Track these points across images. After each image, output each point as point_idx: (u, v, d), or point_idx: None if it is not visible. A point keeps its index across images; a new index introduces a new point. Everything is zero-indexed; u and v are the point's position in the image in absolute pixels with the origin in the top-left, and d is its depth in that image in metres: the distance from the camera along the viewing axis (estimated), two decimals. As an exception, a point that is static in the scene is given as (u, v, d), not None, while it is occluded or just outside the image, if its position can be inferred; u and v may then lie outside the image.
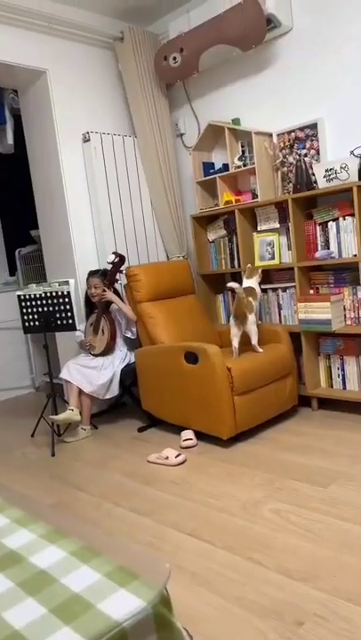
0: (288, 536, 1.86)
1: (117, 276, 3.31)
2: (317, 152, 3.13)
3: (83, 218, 3.59)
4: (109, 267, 3.31)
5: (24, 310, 3.19)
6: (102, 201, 3.59)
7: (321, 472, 2.34)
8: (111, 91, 3.75)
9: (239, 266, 3.49)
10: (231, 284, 2.98)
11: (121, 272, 3.28)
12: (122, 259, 3.27)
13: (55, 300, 3.10)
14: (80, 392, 3.18)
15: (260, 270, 3.19)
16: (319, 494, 2.14)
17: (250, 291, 3.06)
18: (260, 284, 3.23)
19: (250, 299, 2.99)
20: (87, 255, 3.60)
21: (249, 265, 3.24)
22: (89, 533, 1.28)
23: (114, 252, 3.29)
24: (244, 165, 3.38)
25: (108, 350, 3.32)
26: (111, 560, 1.00)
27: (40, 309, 3.15)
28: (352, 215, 2.94)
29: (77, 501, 2.35)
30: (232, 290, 3.47)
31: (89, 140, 3.51)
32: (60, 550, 1.07)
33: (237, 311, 2.96)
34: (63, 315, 3.08)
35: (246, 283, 3.16)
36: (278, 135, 3.29)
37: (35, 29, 3.35)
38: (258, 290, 3.15)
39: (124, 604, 0.86)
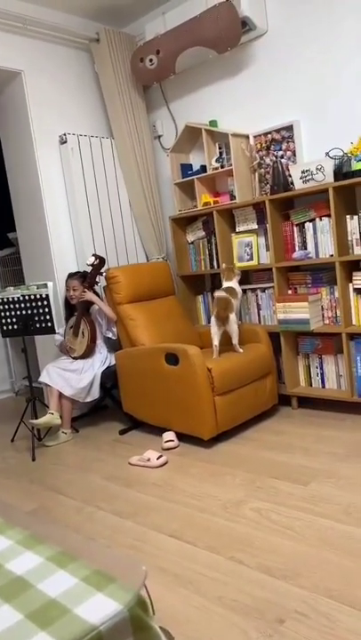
0: (269, 534, 1.87)
1: (97, 279, 3.29)
2: (294, 153, 3.16)
3: (61, 220, 3.56)
4: (89, 269, 3.30)
5: (2, 314, 3.15)
6: (80, 202, 3.57)
7: (301, 470, 2.35)
8: (88, 92, 3.74)
9: (218, 267, 3.51)
10: (217, 294, 2.97)
11: (101, 274, 3.27)
12: (101, 261, 3.26)
13: (34, 303, 3.07)
14: (60, 395, 3.16)
15: (238, 272, 3.20)
16: (300, 492, 2.15)
17: (230, 291, 3.07)
18: (240, 282, 3.25)
19: (231, 298, 3.00)
20: (66, 257, 3.57)
21: (224, 264, 3.24)
22: (68, 538, 1.27)
23: (93, 255, 3.27)
24: (222, 167, 3.39)
25: (89, 353, 3.31)
26: (88, 564, 0.99)
27: (18, 312, 3.12)
28: (328, 216, 2.97)
29: (59, 506, 2.33)
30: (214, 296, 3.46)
31: (66, 141, 3.49)
32: (37, 556, 1.06)
33: (220, 311, 2.97)
34: (42, 318, 3.06)
35: (226, 284, 3.17)
36: (255, 137, 3.31)
37: (10, 30, 3.31)
38: (238, 289, 3.17)
39: (100, 608, 0.85)
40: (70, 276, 3.39)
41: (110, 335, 3.36)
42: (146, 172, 3.81)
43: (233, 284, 3.16)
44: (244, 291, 3.45)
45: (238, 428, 2.96)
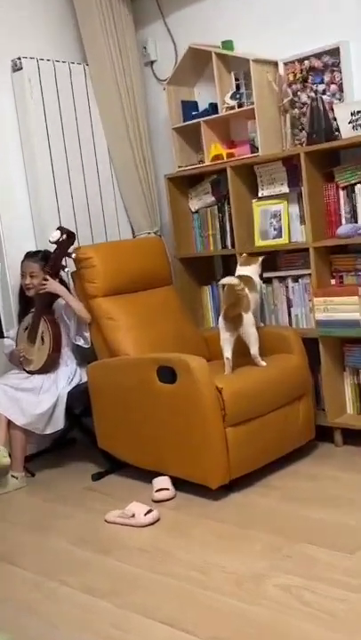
0: (301, 621, 1.88)
1: (64, 261, 3.29)
2: (340, 88, 3.17)
3: (12, 178, 3.56)
4: (53, 248, 3.30)
5: None
6: (40, 154, 3.56)
7: (346, 532, 2.35)
8: (53, 0, 3.74)
9: (233, 245, 3.50)
10: (225, 280, 2.97)
11: (69, 255, 3.27)
12: (70, 236, 3.26)
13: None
14: (10, 425, 3.16)
15: (260, 259, 3.21)
16: (343, 563, 2.15)
17: (246, 280, 3.07)
18: (261, 274, 3.27)
19: (246, 291, 3.00)
20: (20, 231, 3.57)
21: (244, 254, 3.25)
22: (21, 625, 1.28)
23: (59, 228, 3.27)
24: (240, 106, 3.38)
25: (50, 365, 3.30)
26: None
27: None
28: (388, 176, 2.99)
29: (7, 579, 2.33)
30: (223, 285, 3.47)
31: (20, 68, 3.49)
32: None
33: (229, 309, 2.97)
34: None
35: (241, 271, 3.18)
36: (286, 64, 3.31)
37: None
38: (257, 280, 3.17)
39: None
40: (28, 256, 3.39)
41: (81, 342, 3.36)
42: (133, 113, 3.79)
43: (251, 271, 3.16)
44: (269, 280, 3.43)
45: (259, 471, 2.94)
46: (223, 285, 3.07)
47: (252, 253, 3.27)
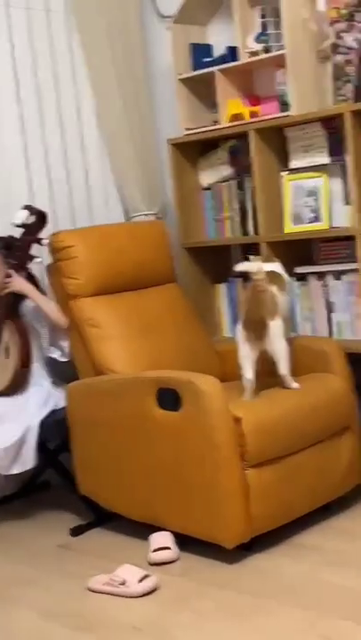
0: None
1: (33, 251, 3.29)
2: None
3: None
4: (19, 234, 3.29)
5: None
6: (7, 114, 3.56)
7: None
8: None
9: (256, 231, 3.49)
10: (244, 266, 2.92)
11: (39, 242, 3.27)
12: (40, 218, 3.26)
13: None
14: (-35, 463, 3.15)
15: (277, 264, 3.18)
16: None
17: (273, 277, 3.05)
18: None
19: (274, 290, 2.98)
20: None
21: (266, 253, 3.24)
22: None
23: (26, 207, 3.27)
24: (267, 51, 3.38)
25: (17, 386, 3.31)
26: None
27: None
28: None
29: None
30: (243, 275, 3.45)
31: (-17, 0, 3.50)
32: None
33: (251, 313, 2.94)
34: None
35: (266, 267, 3.12)
36: (327, -3, 3.30)
37: None
38: (285, 277, 3.17)
39: None
40: (-14, 244, 3.38)
41: (57, 355, 3.37)
42: (127, 59, 3.79)
43: (276, 267, 3.15)
44: (303, 277, 3.42)
45: (288, 527, 2.92)
46: (242, 276, 3.04)
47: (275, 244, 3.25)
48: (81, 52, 3.79)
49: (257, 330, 2.94)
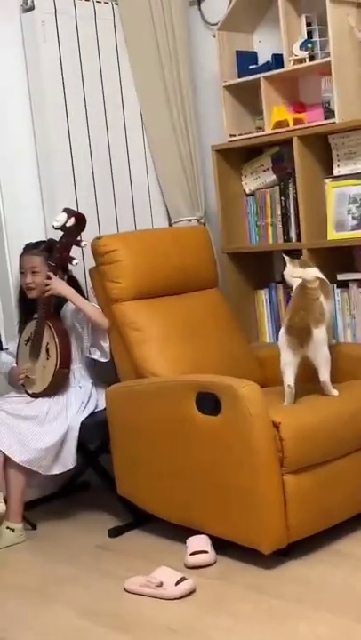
0: None
1: (71, 255, 3.30)
2: None
3: (18, 150, 3.59)
4: (58, 235, 3.31)
5: None
6: (55, 120, 3.59)
7: None
8: None
9: (299, 238, 3.49)
10: (299, 273, 2.88)
11: (78, 244, 3.29)
12: (79, 221, 3.27)
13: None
14: (6, 462, 3.16)
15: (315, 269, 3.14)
16: None
17: (321, 284, 3.04)
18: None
19: (320, 298, 2.96)
20: (25, 217, 3.59)
21: (302, 257, 3.23)
22: None
23: (65, 210, 3.28)
24: (312, 58, 3.37)
25: (58, 386, 3.31)
26: None
27: None
28: None
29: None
30: (284, 281, 3.42)
31: (32, 7, 3.53)
32: None
33: (297, 319, 2.92)
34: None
35: (309, 273, 3.10)
36: (374, 4, 3.29)
37: None
38: (328, 284, 3.15)
39: None
40: (28, 248, 3.40)
41: (97, 355, 3.37)
42: (173, 66, 3.79)
43: (319, 273, 3.12)
44: (345, 284, 3.41)
45: (327, 534, 2.90)
46: (290, 285, 3.03)
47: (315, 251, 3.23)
48: (128, 59, 3.80)
49: (301, 336, 2.93)
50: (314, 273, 3.10)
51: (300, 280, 3.08)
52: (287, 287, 3.38)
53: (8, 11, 3.55)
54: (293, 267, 3.17)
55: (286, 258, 3.15)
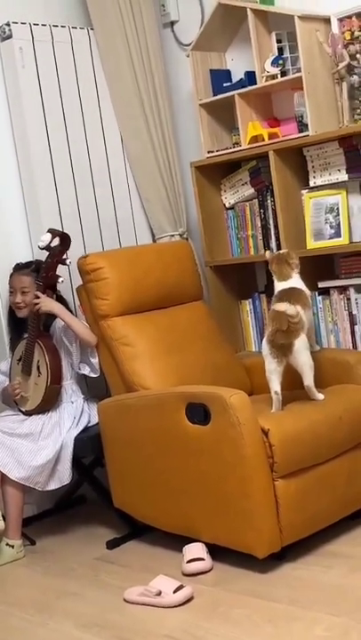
0: None
1: (57, 273, 3.31)
2: None
3: (2, 173, 3.61)
4: (44, 256, 3.32)
5: None
6: (36, 143, 3.61)
7: None
8: None
9: (279, 248, 3.49)
10: (282, 307, 2.88)
11: (63, 262, 3.30)
12: (63, 240, 3.28)
13: None
14: (3, 480, 3.17)
15: (293, 258, 3.14)
16: None
17: (297, 296, 3.03)
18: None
19: (297, 308, 2.95)
20: (12, 238, 3.61)
21: (268, 252, 3.22)
22: None
23: (50, 230, 3.29)
24: (283, 74, 3.39)
25: (50, 402, 3.32)
26: None
27: None
28: None
29: None
30: (268, 291, 3.45)
31: (9, 36, 3.54)
32: None
33: (277, 336, 2.91)
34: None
35: (282, 284, 3.11)
36: (341, 20, 3.31)
37: None
38: (307, 292, 3.14)
39: None
40: (17, 268, 3.42)
41: (87, 371, 3.37)
42: (150, 86, 3.82)
43: (295, 282, 3.12)
44: (326, 291, 3.42)
45: (319, 536, 2.91)
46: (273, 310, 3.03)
47: (279, 255, 3.20)
48: (105, 82, 3.83)
49: (283, 347, 2.93)
50: (290, 284, 3.11)
51: (281, 288, 3.10)
52: (270, 297, 3.35)
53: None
54: (276, 278, 3.17)
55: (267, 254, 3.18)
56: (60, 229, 3.38)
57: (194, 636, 2.38)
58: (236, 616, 2.47)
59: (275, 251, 3.44)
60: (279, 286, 3.13)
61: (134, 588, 2.69)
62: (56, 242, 3.27)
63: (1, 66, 3.61)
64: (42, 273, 3.30)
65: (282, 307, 2.92)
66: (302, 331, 2.96)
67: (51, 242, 3.27)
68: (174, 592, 2.60)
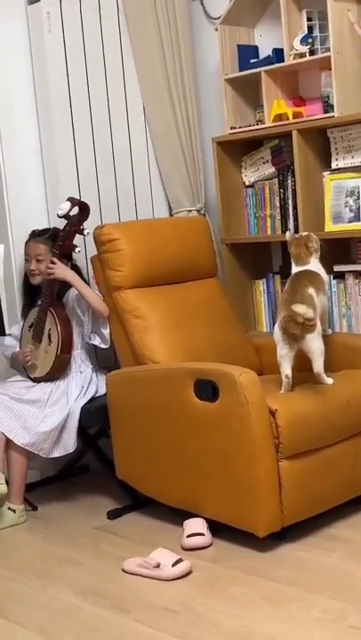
0: None
1: (75, 242, 3.31)
2: None
3: (22, 139, 3.59)
4: (62, 224, 3.32)
5: None
6: (58, 110, 3.60)
7: None
8: None
9: (297, 229, 3.49)
10: (301, 309, 2.80)
11: (81, 232, 3.29)
12: (83, 209, 3.27)
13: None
14: (8, 445, 3.18)
15: (314, 241, 3.10)
16: None
17: (311, 278, 3.02)
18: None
19: (312, 291, 2.94)
20: (30, 205, 3.61)
21: (289, 233, 3.16)
22: None
23: (70, 199, 3.28)
24: (312, 53, 3.38)
25: (59, 371, 3.33)
26: None
27: None
28: None
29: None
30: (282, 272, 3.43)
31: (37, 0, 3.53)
32: None
33: (288, 323, 2.86)
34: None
35: (300, 268, 3.10)
36: (374, 1, 3.30)
37: None
38: (324, 276, 3.13)
39: None
40: (33, 235, 3.42)
41: (97, 342, 3.38)
42: (176, 58, 3.80)
43: (313, 266, 3.11)
44: (341, 275, 3.42)
45: (320, 518, 2.92)
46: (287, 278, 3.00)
47: (299, 237, 3.17)
48: (131, 52, 3.81)
49: (295, 335, 2.91)
50: (307, 267, 3.09)
51: (297, 270, 3.09)
52: (284, 278, 3.38)
53: (14, 3, 3.55)
54: (294, 261, 3.14)
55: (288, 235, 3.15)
56: (79, 199, 3.36)
57: (190, 609, 2.40)
58: (234, 593, 2.49)
59: (293, 231, 3.42)
60: (295, 269, 3.12)
61: (133, 559, 2.71)
62: (75, 211, 3.27)
63: (27, 29, 3.59)
64: (58, 241, 3.29)
65: (301, 309, 2.85)
66: (315, 327, 2.91)
67: (70, 210, 3.26)
68: (173, 565, 2.62)
